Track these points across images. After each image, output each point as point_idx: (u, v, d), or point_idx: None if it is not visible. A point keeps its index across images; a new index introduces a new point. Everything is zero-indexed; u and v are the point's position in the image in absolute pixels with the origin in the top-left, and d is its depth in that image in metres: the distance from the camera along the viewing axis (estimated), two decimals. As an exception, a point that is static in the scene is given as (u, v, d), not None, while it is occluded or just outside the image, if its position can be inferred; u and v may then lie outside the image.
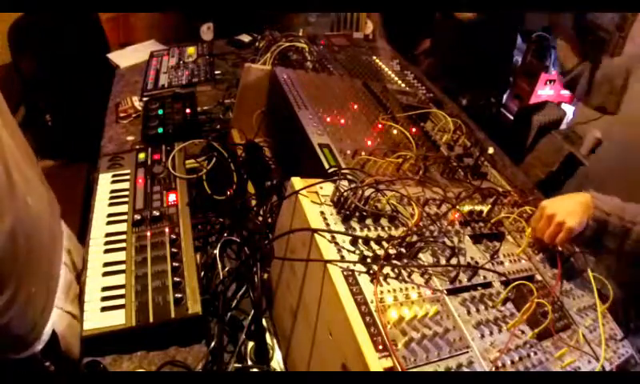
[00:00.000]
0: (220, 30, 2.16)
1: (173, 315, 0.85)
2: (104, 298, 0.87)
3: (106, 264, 0.94)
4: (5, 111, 0.92)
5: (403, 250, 0.75)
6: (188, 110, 1.46)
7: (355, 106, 1.27)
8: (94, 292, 0.88)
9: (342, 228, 0.74)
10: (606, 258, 1.15)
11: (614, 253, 1.02)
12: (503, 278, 0.82)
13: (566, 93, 3.20)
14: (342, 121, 1.18)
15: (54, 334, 0.94)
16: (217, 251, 1.00)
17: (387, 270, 0.71)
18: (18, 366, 0.90)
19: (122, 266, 0.93)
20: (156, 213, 1.04)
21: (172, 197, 1.10)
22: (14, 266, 0.85)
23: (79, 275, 1.12)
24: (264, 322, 0.88)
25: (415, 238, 0.78)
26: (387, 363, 0.58)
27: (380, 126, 1.22)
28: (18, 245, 0.85)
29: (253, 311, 0.86)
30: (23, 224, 0.88)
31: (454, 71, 2.31)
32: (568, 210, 0.97)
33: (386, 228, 0.79)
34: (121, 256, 0.96)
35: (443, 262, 0.78)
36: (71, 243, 1.15)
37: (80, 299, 0.89)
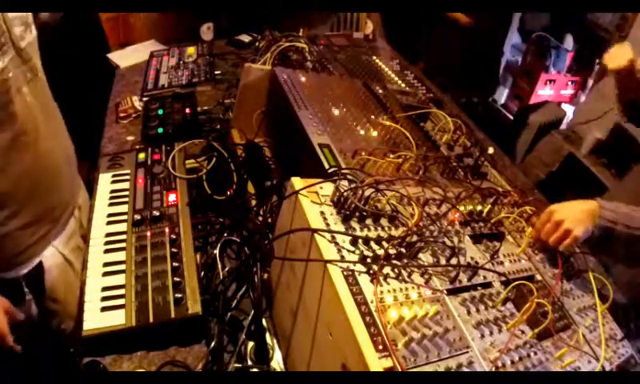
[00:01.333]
0: (220, 30, 2.16)
1: (173, 315, 0.85)
2: (104, 298, 0.87)
3: (106, 264, 0.94)
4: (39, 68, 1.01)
5: (403, 250, 0.75)
6: (188, 110, 1.46)
7: (355, 106, 1.27)
8: (94, 292, 0.88)
9: (342, 228, 0.74)
10: (608, 260, 1.16)
11: (622, 258, 1.04)
12: (503, 278, 0.82)
13: (566, 93, 3.21)
14: (342, 121, 1.18)
15: (40, 265, 1.01)
16: (217, 251, 1.00)
17: (387, 270, 0.71)
18: None
19: (122, 266, 0.93)
20: (156, 213, 1.04)
21: (172, 197, 1.10)
22: (22, 192, 0.94)
23: (84, 236, 1.17)
24: (264, 321, 0.88)
25: (415, 238, 0.78)
26: (387, 363, 0.58)
27: (380, 126, 1.22)
28: (31, 178, 0.95)
29: (253, 311, 0.86)
30: (43, 163, 0.99)
31: (444, 70, 2.32)
32: (577, 217, 0.97)
33: (386, 228, 0.79)
34: (121, 256, 0.96)
35: (443, 262, 0.78)
36: (84, 203, 1.24)
37: (80, 299, 0.89)
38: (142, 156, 1.23)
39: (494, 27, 2.52)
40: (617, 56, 1.19)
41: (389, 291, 0.68)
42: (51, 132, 1.04)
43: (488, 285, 0.80)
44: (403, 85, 1.73)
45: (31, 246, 1.00)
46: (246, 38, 2.14)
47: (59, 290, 1.07)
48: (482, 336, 0.70)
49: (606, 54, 1.21)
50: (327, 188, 0.80)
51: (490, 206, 0.98)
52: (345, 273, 0.66)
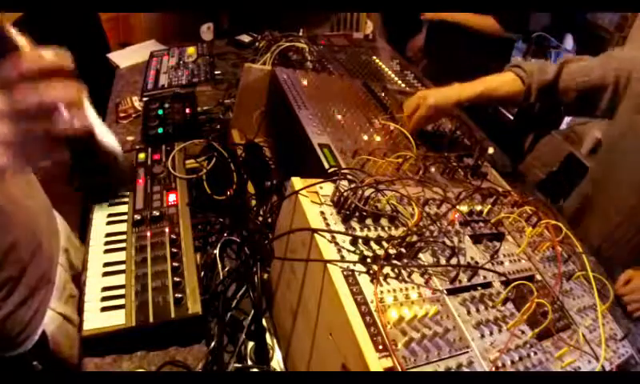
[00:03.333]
0: (220, 31, 2.16)
1: (173, 315, 0.85)
2: (104, 298, 0.87)
3: (106, 264, 0.94)
4: None
5: (403, 250, 0.75)
6: (188, 110, 1.46)
7: (355, 106, 1.27)
8: (93, 292, 0.88)
9: (342, 228, 0.74)
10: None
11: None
12: (503, 278, 0.82)
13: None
14: (342, 121, 1.18)
15: (43, 334, 0.94)
16: (217, 251, 1.00)
17: (387, 270, 0.71)
18: (4, 363, 0.91)
19: (122, 266, 0.93)
20: (156, 213, 1.04)
21: (172, 197, 1.10)
22: (11, 268, 0.85)
23: (76, 276, 1.12)
24: (264, 321, 0.88)
25: (415, 238, 0.78)
26: (387, 363, 0.58)
27: (380, 126, 1.22)
28: (18, 251, 0.85)
29: (253, 311, 0.86)
30: (24, 229, 0.88)
31: (446, 72, 2.31)
32: (439, 91, 1.25)
33: (386, 228, 0.79)
34: (121, 256, 0.96)
35: (443, 261, 0.78)
36: (69, 243, 1.14)
37: (80, 299, 0.89)
38: (142, 156, 1.23)
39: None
40: (409, 104, 1.28)
41: (389, 291, 0.68)
42: (23, 188, 0.95)
43: (488, 285, 0.80)
44: (403, 85, 1.73)
45: (32, 318, 0.93)
46: (245, 38, 2.14)
47: (63, 349, 1.01)
48: (482, 336, 0.70)
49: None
50: (327, 188, 0.80)
51: (489, 205, 0.98)
52: (345, 273, 0.66)
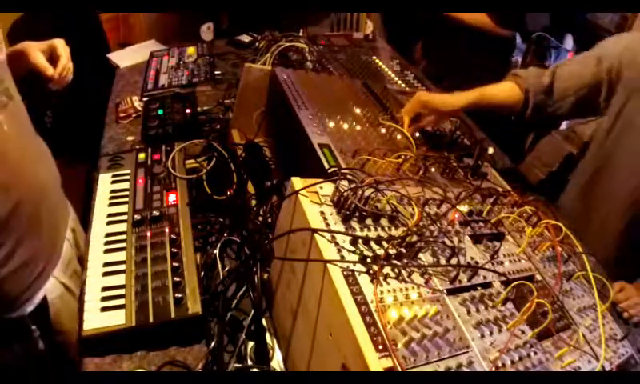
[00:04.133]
0: (220, 31, 2.16)
1: (173, 315, 0.85)
2: (104, 298, 0.87)
3: (106, 264, 0.94)
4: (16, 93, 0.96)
5: (403, 250, 0.75)
6: (188, 110, 1.46)
7: (355, 106, 1.27)
8: (93, 292, 0.88)
9: (342, 228, 0.74)
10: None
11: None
12: (503, 278, 0.82)
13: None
14: (342, 121, 1.18)
15: (44, 300, 0.98)
16: (217, 251, 1.00)
17: (387, 270, 0.71)
18: (4, 325, 0.93)
19: (122, 266, 0.93)
20: (156, 213, 1.04)
21: (172, 197, 1.10)
22: (17, 227, 0.89)
23: (81, 258, 1.14)
24: (264, 321, 0.88)
25: (415, 238, 0.78)
26: (387, 363, 0.58)
27: (380, 126, 1.22)
28: (23, 211, 0.89)
29: (253, 311, 0.86)
30: (30, 192, 0.93)
31: (445, 72, 2.31)
32: (439, 97, 1.30)
33: (386, 228, 0.79)
34: (121, 256, 0.96)
35: (443, 262, 0.78)
36: (76, 224, 1.19)
37: (80, 299, 0.89)
38: (142, 156, 1.23)
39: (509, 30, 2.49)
40: (409, 107, 1.27)
41: (389, 291, 0.68)
42: (35, 155, 0.99)
43: (488, 285, 0.80)
44: (403, 85, 1.73)
45: (34, 281, 0.96)
46: (246, 38, 2.14)
47: (64, 321, 1.04)
48: (482, 336, 0.70)
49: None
50: (327, 188, 0.80)
51: (489, 206, 0.98)
52: (345, 273, 0.66)
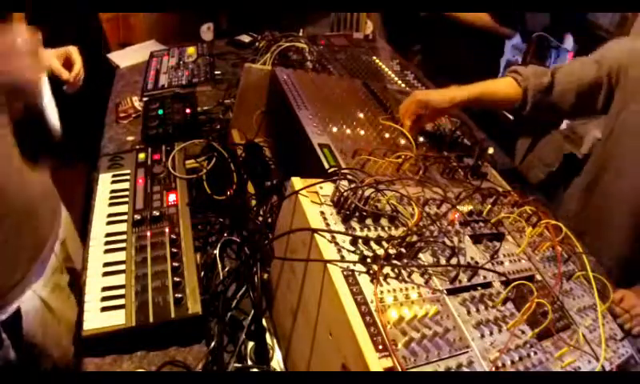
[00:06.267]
0: (220, 31, 2.16)
1: (173, 315, 0.85)
2: (104, 298, 0.87)
3: (106, 264, 0.94)
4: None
5: (403, 250, 0.75)
6: (188, 110, 1.46)
7: (355, 106, 1.27)
8: (93, 292, 0.88)
9: (342, 228, 0.74)
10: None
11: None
12: (503, 278, 0.82)
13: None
14: (342, 121, 1.18)
15: (18, 310, 0.96)
16: (217, 251, 1.00)
17: (387, 270, 0.71)
18: None
19: (122, 266, 0.93)
20: (156, 213, 1.04)
21: (172, 197, 1.10)
22: None
23: (72, 269, 1.14)
24: (264, 321, 0.88)
25: (415, 238, 0.78)
26: (387, 363, 0.58)
27: (380, 126, 1.22)
28: (3, 224, 0.88)
29: (253, 311, 0.86)
30: (14, 207, 0.91)
31: (441, 67, 2.32)
32: (435, 92, 1.28)
33: (386, 228, 0.79)
34: (121, 256, 0.96)
35: (443, 262, 0.78)
36: (69, 234, 1.17)
37: (80, 299, 0.89)
38: (142, 156, 1.23)
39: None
40: (406, 106, 1.26)
41: (389, 291, 0.68)
42: (21, 170, 0.96)
43: (488, 285, 0.80)
44: (403, 85, 1.73)
45: (9, 291, 0.95)
46: (245, 38, 2.14)
47: (37, 335, 1.02)
48: (482, 336, 0.70)
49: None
50: (327, 188, 0.80)
51: (489, 205, 0.98)
52: (345, 273, 0.66)
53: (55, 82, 1.12)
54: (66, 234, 1.16)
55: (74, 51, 1.24)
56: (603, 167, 1.32)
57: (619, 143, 1.26)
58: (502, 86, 1.35)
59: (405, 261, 0.74)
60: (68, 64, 1.23)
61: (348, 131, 1.14)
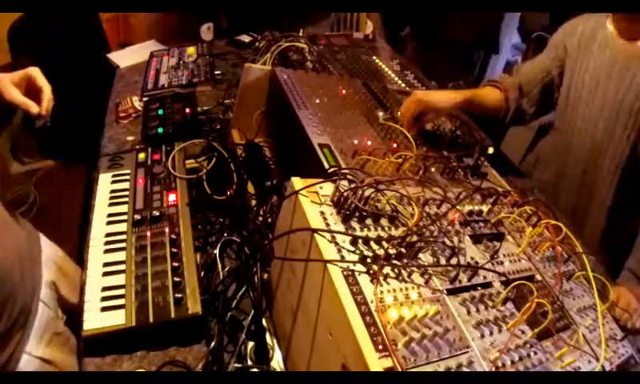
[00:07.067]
0: (220, 31, 2.16)
1: (173, 315, 0.85)
2: (104, 298, 0.87)
3: (106, 264, 0.94)
4: None
5: (403, 250, 0.75)
6: (188, 110, 1.46)
7: (355, 106, 1.27)
8: (93, 292, 0.88)
9: (342, 228, 0.74)
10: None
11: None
12: (503, 278, 0.82)
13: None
14: (342, 121, 1.18)
15: None
16: (217, 251, 1.00)
17: (387, 270, 0.71)
18: None
19: (122, 266, 0.93)
20: (156, 213, 1.04)
21: (172, 197, 1.10)
22: None
23: (67, 306, 1.09)
24: (264, 321, 0.88)
25: (415, 238, 0.78)
26: (387, 363, 0.58)
27: (380, 126, 1.22)
28: None
29: (253, 311, 0.86)
30: None
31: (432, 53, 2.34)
32: (434, 93, 1.36)
33: (386, 228, 0.79)
34: (121, 256, 0.96)
35: (443, 262, 0.78)
36: (60, 273, 1.09)
37: (80, 299, 0.89)
38: (142, 156, 1.23)
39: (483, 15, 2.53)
40: (407, 106, 1.28)
41: (389, 291, 0.68)
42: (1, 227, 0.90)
43: (488, 285, 0.80)
44: (403, 85, 1.73)
45: (6, 364, 0.88)
46: (246, 38, 2.14)
47: None
48: (482, 336, 0.70)
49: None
50: (327, 188, 0.80)
51: (490, 205, 0.98)
52: (345, 273, 0.66)
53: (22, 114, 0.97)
54: (55, 274, 1.08)
55: (36, 74, 0.98)
56: (566, 137, 1.42)
57: (576, 109, 1.35)
58: (491, 94, 1.43)
59: (405, 261, 0.74)
60: (32, 91, 0.98)
61: (348, 131, 1.14)
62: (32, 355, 0.94)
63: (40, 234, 1.14)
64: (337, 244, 0.71)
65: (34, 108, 0.96)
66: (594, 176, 1.35)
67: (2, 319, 0.87)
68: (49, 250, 1.13)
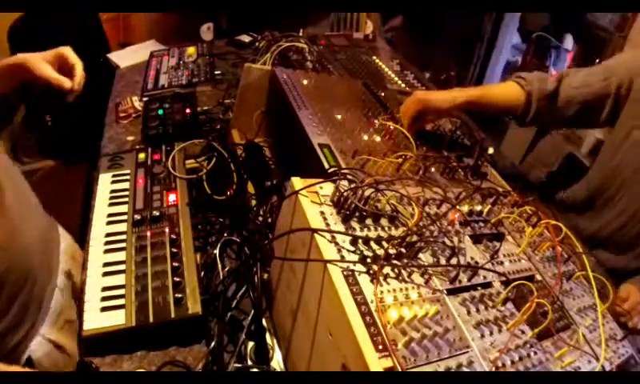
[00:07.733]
0: (220, 31, 2.16)
1: (173, 315, 0.85)
2: (104, 298, 0.87)
3: (106, 264, 0.94)
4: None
5: (403, 250, 0.75)
6: (188, 110, 1.46)
7: (355, 106, 1.27)
8: (93, 292, 0.88)
9: (342, 228, 0.74)
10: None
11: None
12: (503, 278, 0.82)
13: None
14: (342, 121, 1.18)
15: (29, 360, 0.91)
16: (217, 251, 1.00)
17: (387, 270, 0.71)
18: None
19: (122, 266, 0.93)
20: (156, 213, 1.04)
21: (172, 197, 1.10)
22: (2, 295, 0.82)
23: (79, 295, 1.07)
24: (264, 321, 0.88)
25: (415, 238, 0.78)
26: (387, 363, 0.58)
27: (380, 126, 1.22)
28: (7, 282, 0.83)
29: (253, 311, 0.86)
30: (16, 259, 0.86)
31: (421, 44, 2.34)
32: (437, 93, 1.29)
33: (386, 228, 0.79)
34: (121, 256, 0.96)
35: (443, 261, 0.78)
36: (74, 263, 1.11)
37: (80, 299, 0.89)
38: (142, 156, 1.23)
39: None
40: (407, 106, 1.27)
41: (389, 291, 0.68)
42: (24, 212, 0.92)
43: (488, 285, 0.80)
44: (403, 85, 1.73)
45: (18, 344, 0.89)
46: (245, 38, 2.14)
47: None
48: (482, 336, 0.70)
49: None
50: (327, 188, 0.80)
51: (489, 205, 0.98)
52: (345, 273, 0.66)
53: (47, 89, 0.99)
54: (70, 263, 1.09)
55: (68, 52, 1.03)
56: (609, 178, 1.31)
57: (628, 156, 1.25)
58: (506, 91, 1.33)
59: (405, 261, 0.74)
60: (64, 69, 1.03)
61: (348, 131, 1.14)
62: (45, 338, 0.95)
63: (58, 224, 1.16)
64: (337, 244, 0.71)
65: (67, 83, 1.00)
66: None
67: (19, 298, 0.88)
68: (65, 240, 1.14)
